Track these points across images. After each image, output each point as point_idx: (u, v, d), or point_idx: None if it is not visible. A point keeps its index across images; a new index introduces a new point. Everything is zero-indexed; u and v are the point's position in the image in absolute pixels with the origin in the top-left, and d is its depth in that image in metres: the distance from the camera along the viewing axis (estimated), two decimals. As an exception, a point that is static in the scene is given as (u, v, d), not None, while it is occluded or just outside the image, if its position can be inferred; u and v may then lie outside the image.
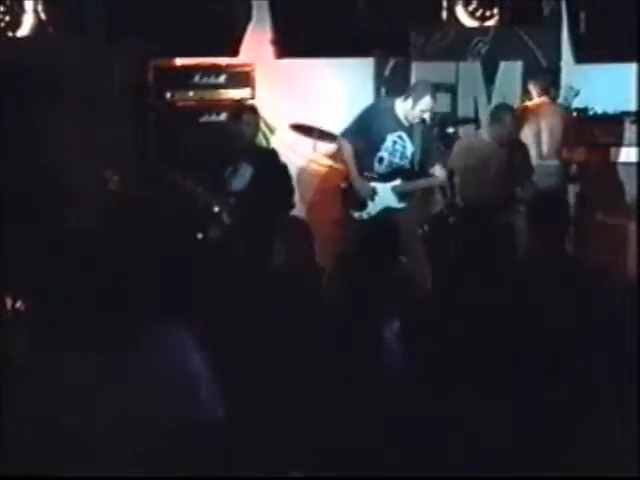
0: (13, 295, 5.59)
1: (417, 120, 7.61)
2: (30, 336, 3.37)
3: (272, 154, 7.87)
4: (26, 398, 3.18)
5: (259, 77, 8.91)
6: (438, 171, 7.72)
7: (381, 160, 7.70)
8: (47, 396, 3.18)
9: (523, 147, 8.05)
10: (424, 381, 3.96)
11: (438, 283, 7.43)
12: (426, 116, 7.69)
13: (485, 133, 7.92)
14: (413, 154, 7.69)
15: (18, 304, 5.84)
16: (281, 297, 4.54)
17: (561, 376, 3.73)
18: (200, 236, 7.77)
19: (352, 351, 4.21)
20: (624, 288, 5.40)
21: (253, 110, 7.71)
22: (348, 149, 7.68)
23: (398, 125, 7.63)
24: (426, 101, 7.51)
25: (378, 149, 7.65)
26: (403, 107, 7.59)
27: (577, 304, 4.37)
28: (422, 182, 7.83)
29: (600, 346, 3.93)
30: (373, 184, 7.69)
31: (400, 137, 7.66)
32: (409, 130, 7.65)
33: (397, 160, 7.70)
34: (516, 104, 8.89)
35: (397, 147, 7.68)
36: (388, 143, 7.65)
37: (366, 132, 7.62)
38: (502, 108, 8.05)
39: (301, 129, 8.86)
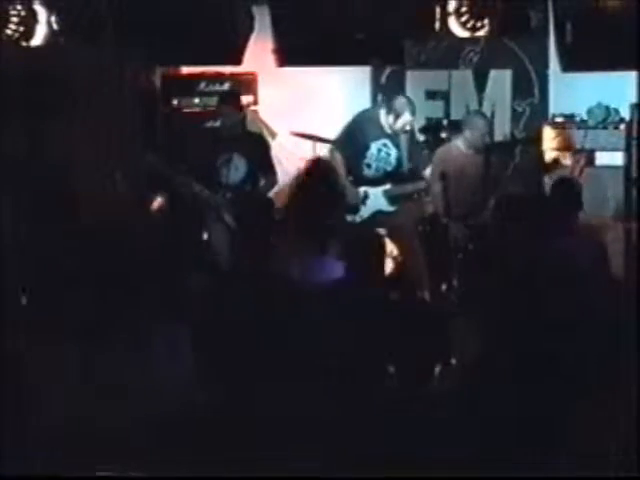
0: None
1: (401, 132, 7.72)
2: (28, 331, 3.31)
3: (260, 143, 7.91)
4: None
5: (261, 85, 8.96)
6: (427, 174, 7.78)
7: (369, 166, 7.80)
8: (41, 390, 3.12)
9: (498, 153, 8.01)
10: (421, 380, 3.86)
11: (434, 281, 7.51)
12: (408, 128, 7.75)
13: (460, 141, 7.86)
14: (399, 160, 7.79)
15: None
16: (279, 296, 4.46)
17: (560, 375, 3.63)
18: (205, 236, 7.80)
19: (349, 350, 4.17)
20: (608, 287, 5.32)
21: (234, 102, 7.80)
22: (339, 158, 7.75)
23: (382, 133, 7.74)
24: (406, 117, 7.64)
25: (364, 156, 7.74)
26: (386, 120, 7.70)
27: (563, 304, 4.30)
28: (410, 186, 7.87)
29: (599, 344, 3.83)
30: (364, 189, 7.77)
31: (385, 145, 7.76)
32: (393, 138, 7.75)
33: (384, 166, 7.79)
34: (506, 110, 8.85)
35: (382, 154, 7.79)
36: (373, 151, 7.76)
37: (353, 141, 7.76)
38: (475, 115, 8.03)
39: (301, 136, 8.75)
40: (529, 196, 7.24)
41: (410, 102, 7.82)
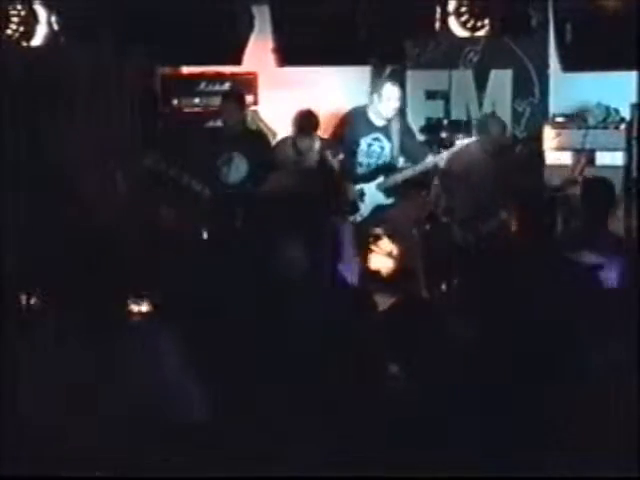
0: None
1: (392, 114, 7.71)
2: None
3: (262, 142, 7.97)
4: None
5: (261, 84, 9.01)
6: (428, 160, 7.77)
7: (360, 163, 7.84)
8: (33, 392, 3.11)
9: (515, 157, 7.96)
10: (420, 379, 3.83)
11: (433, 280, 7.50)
12: (397, 105, 7.73)
13: (474, 144, 7.82)
14: (392, 151, 7.82)
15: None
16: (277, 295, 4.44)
17: (560, 375, 3.60)
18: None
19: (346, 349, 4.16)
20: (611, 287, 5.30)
21: (237, 101, 7.82)
22: (333, 156, 7.72)
23: (372, 128, 7.78)
24: (388, 89, 7.71)
25: (355, 153, 7.77)
26: (374, 108, 7.75)
27: (569, 303, 4.27)
28: (400, 175, 7.86)
29: (600, 344, 3.81)
30: (359, 186, 7.81)
31: (376, 139, 7.80)
32: (385, 130, 7.77)
33: (375, 160, 7.83)
34: (506, 110, 8.87)
35: (373, 149, 7.83)
36: (363, 147, 7.81)
37: (344, 138, 7.79)
38: (490, 118, 8.01)
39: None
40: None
41: (392, 80, 7.95)
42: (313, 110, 8.28)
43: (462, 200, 7.59)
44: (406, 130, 7.94)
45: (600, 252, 5.67)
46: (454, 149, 7.97)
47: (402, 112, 7.94)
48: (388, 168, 7.83)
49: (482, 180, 7.64)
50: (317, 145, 8.17)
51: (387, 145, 7.79)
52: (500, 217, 7.33)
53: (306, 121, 8.16)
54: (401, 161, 7.90)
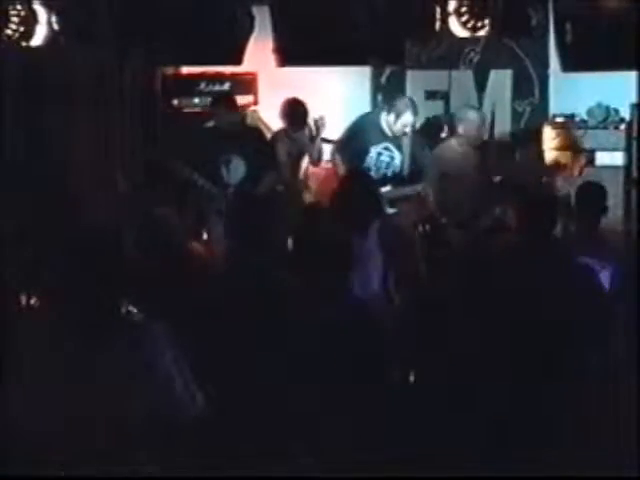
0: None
1: (400, 134, 7.69)
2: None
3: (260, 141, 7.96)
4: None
5: (261, 85, 9.01)
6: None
7: (369, 170, 7.73)
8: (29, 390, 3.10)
9: (498, 146, 7.96)
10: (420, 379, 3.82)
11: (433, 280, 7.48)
12: (408, 130, 7.70)
13: (455, 139, 7.82)
14: (402, 163, 7.76)
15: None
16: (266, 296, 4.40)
17: (561, 375, 3.59)
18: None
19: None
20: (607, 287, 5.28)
21: (229, 104, 7.87)
22: (339, 161, 7.77)
23: (383, 137, 7.75)
24: (407, 117, 7.64)
25: (363, 161, 7.71)
26: (387, 120, 7.69)
27: (562, 302, 4.26)
28: (408, 189, 7.83)
29: (599, 344, 3.80)
30: None
31: (386, 148, 7.77)
32: (396, 141, 7.72)
33: (383, 170, 7.76)
34: (506, 110, 8.88)
35: (382, 158, 7.77)
36: (372, 154, 7.76)
37: (352, 144, 7.76)
38: (466, 109, 8.02)
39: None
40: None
41: (413, 103, 7.83)
42: (300, 99, 8.30)
43: (454, 200, 7.56)
44: (418, 142, 7.89)
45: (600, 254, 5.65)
46: (436, 149, 7.92)
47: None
48: (396, 179, 7.77)
49: (469, 177, 7.61)
50: (307, 132, 8.17)
51: (397, 156, 7.74)
52: (496, 215, 7.33)
53: (293, 109, 8.16)
54: (410, 173, 7.83)
